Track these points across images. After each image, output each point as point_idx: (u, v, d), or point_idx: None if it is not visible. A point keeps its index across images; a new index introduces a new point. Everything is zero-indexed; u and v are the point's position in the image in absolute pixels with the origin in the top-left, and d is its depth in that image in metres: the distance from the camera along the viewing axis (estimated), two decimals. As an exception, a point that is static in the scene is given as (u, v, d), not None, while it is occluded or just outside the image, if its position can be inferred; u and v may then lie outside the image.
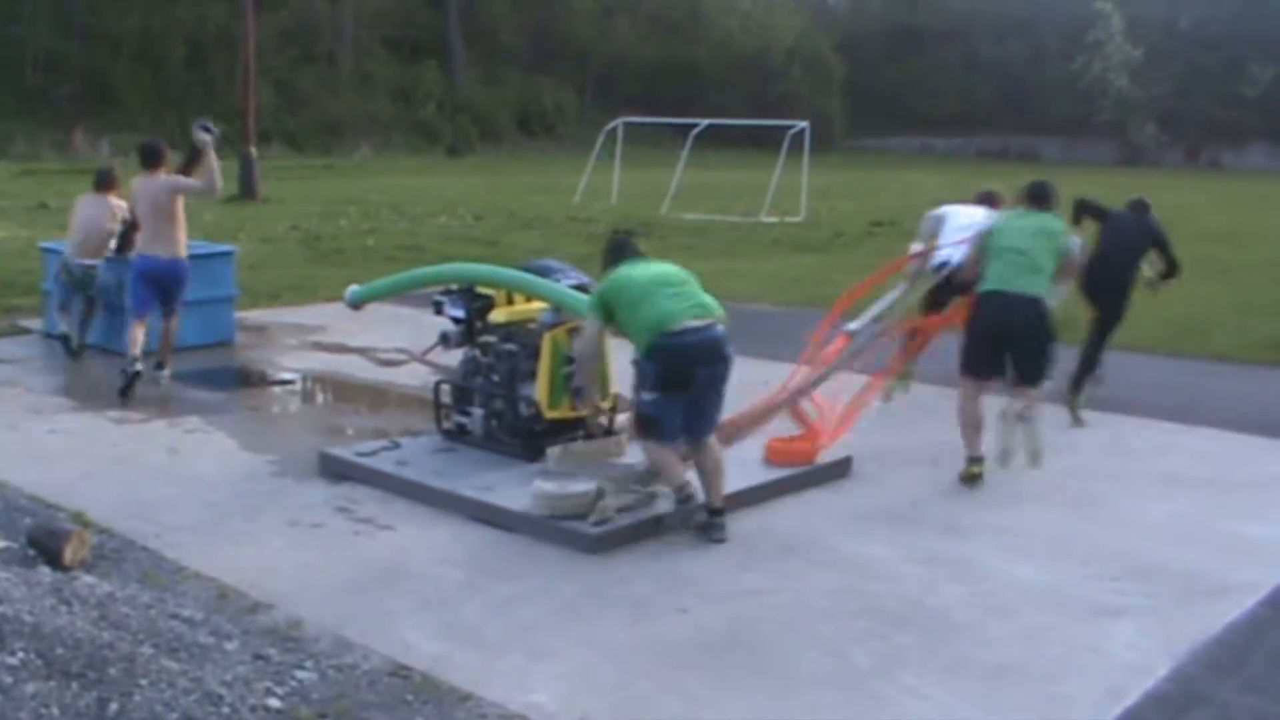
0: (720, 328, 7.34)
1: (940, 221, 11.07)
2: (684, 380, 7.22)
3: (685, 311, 7.26)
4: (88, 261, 12.13)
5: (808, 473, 8.40)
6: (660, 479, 7.54)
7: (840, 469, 8.63)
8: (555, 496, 7.33)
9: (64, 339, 12.32)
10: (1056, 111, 68.18)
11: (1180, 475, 8.89)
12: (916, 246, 11.19)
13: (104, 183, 12.50)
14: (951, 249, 10.43)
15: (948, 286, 10.42)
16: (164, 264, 11.02)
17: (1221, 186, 45.35)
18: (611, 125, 35.67)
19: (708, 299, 7.44)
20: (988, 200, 11.32)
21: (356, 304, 9.92)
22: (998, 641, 5.97)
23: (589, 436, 8.60)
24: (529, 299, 8.84)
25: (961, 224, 10.63)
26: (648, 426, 7.38)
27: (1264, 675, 5.68)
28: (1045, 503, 8.18)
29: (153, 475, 8.40)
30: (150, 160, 11.23)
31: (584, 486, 7.38)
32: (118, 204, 12.29)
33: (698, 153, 35.82)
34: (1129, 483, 8.67)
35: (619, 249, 7.86)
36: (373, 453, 8.55)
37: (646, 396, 7.31)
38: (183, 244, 11.12)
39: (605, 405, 8.60)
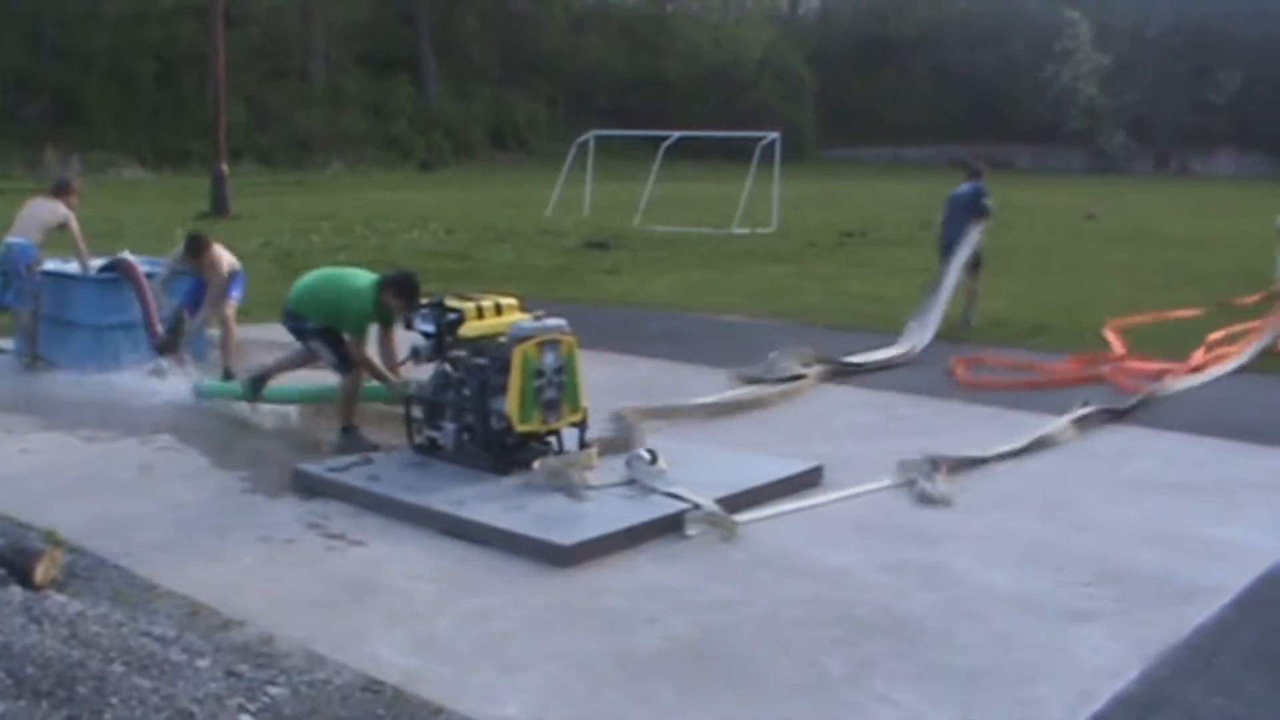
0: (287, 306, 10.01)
1: None
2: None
3: None
4: (12, 239, 12.55)
5: (778, 483, 8.41)
6: None
7: (811, 478, 8.65)
8: None
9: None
10: (1027, 120, 68.44)
11: (1148, 479, 8.93)
12: None
13: (59, 189, 13.10)
14: None
15: None
16: None
17: (1190, 193, 45.66)
18: (583, 138, 35.71)
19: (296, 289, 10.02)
20: None
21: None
22: (969, 647, 5.99)
23: (561, 450, 8.65)
24: (500, 313, 8.88)
25: None
26: None
27: (1232, 676, 5.71)
28: (1015, 508, 8.21)
29: (124, 493, 8.39)
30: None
31: None
32: (64, 211, 12.70)
33: (669, 165, 35.85)
34: (1097, 488, 8.71)
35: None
36: (345, 468, 8.56)
37: None
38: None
39: (575, 418, 8.66)
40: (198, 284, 11.99)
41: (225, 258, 12.01)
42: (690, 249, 24.98)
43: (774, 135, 32.49)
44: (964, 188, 15.88)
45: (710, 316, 16.41)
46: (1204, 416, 10.74)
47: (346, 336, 9.47)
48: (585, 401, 8.76)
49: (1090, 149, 68.21)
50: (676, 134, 36.90)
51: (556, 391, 8.49)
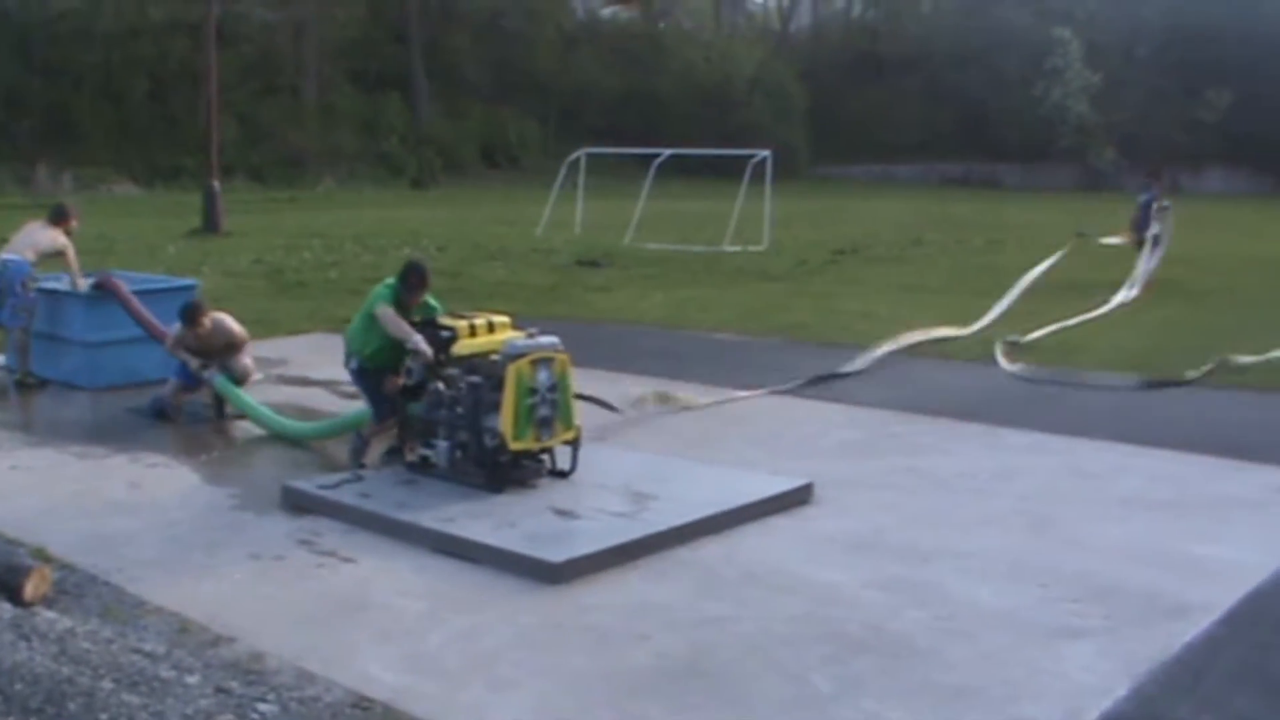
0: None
1: None
2: None
3: None
4: (8, 256, 12.51)
5: (768, 500, 8.43)
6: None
7: (802, 495, 8.67)
8: None
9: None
10: (1017, 138, 68.53)
11: (1138, 497, 8.94)
12: None
13: (57, 216, 13.04)
14: None
15: None
16: None
17: (1180, 210, 45.54)
18: (574, 156, 35.72)
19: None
20: None
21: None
22: (958, 665, 6.01)
23: (558, 472, 8.70)
24: (492, 331, 8.90)
25: None
26: None
27: (1220, 694, 5.72)
28: (1005, 526, 8.23)
29: (115, 510, 8.39)
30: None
31: None
32: (62, 240, 12.70)
33: (661, 183, 35.87)
34: (1087, 505, 8.72)
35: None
36: (335, 485, 8.56)
37: None
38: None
39: (568, 436, 8.68)
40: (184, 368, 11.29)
41: (229, 320, 11.49)
42: (681, 266, 24.99)
43: (765, 153, 32.50)
44: (1144, 196, 23.55)
45: (701, 334, 16.41)
46: (1195, 434, 10.77)
47: (377, 310, 9.19)
48: (578, 419, 8.78)
49: (1081, 166, 68.29)
50: (668, 151, 36.89)
51: (550, 409, 8.50)
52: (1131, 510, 8.62)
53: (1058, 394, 12.55)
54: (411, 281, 9.32)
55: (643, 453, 9.74)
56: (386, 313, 9.15)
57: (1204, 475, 9.58)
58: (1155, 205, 22.71)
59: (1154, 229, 22.24)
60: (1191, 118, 64.73)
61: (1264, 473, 9.60)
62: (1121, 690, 5.71)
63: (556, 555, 7.20)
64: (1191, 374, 13.04)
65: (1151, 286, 20.74)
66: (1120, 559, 7.58)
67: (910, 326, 15.70)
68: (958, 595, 6.95)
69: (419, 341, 8.91)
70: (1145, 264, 21.31)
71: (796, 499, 8.61)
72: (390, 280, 9.43)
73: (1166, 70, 65.97)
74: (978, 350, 14.88)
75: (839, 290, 21.24)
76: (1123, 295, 19.81)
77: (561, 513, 8.02)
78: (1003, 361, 14.10)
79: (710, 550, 7.64)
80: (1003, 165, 69.54)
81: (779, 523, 8.24)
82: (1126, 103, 67.01)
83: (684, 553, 7.58)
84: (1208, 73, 63.70)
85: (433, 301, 9.62)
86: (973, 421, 11.20)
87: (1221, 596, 6.92)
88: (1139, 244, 22.29)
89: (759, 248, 28.48)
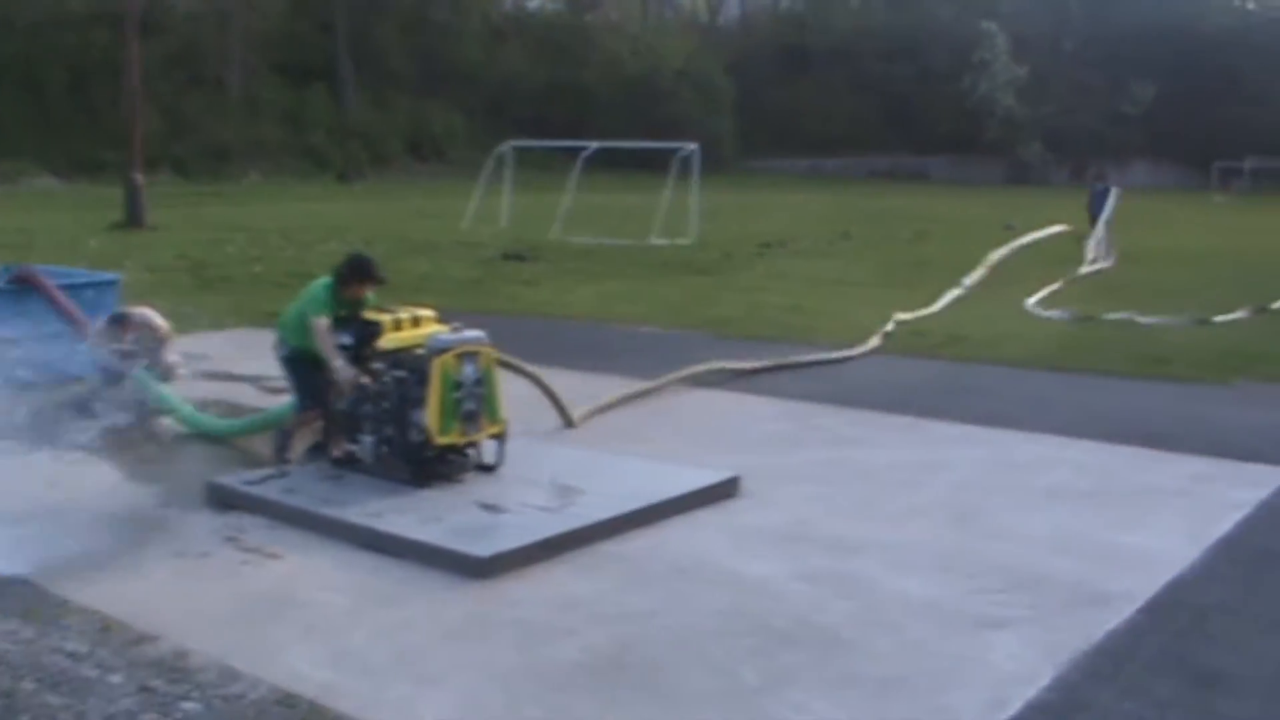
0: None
1: None
2: None
3: None
4: None
5: (695, 493, 8.44)
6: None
7: (728, 489, 8.68)
8: None
9: None
10: (944, 131, 69.16)
11: (1063, 488, 9.02)
12: None
13: None
14: None
15: None
16: None
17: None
18: (501, 149, 35.64)
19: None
20: None
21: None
22: (884, 656, 6.04)
23: (484, 466, 8.67)
24: (417, 325, 8.84)
25: None
26: None
27: (1141, 681, 5.79)
28: (931, 518, 8.28)
29: (35, 509, 8.28)
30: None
31: None
32: None
33: (588, 176, 35.85)
34: (1012, 496, 8.79)
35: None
36: (260, 481, 8.49)
37: None
38: None
39: (494, 430, 8.65)
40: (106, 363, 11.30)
41: (153, 314, 11.46)
42: (608, 260, 25.00)
43: (693, 146, 32.59)
44: (1099, 187, 29.34)
45: (628, 328, 16.43)
46: (1119, 425, 10.88)
47: (312, 320, 8.90)
48: (504, 413, 8.75)
49: (1008, 159, 69.05)
50: (595, 144, 36.84)
51: (476, 403, 8.47)
52: (1057, 501, 8.70)
53: (983, 385, 12.65)
54: (356, 272, 9.17)
55: (569, 446, 9.74)
56: (320, 327, 8.90)
57: (1128, 465, 9.69)
58: (1111, 191, 28.12)
59: (1108, 212, 27.05)
60: (1116, 111, 65.66)
61: (1186, 462, 9.72)
62: (1045, 679, 5.76)
63: (482, 550, 7.17)
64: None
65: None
66: (1045, 549, 7.64)
67: (838, 320, 15.79)
68: (884, 586, 6.99)
69: (341, 368, 8.74)
70: (1104, 240, 26.24)
71: (723, 492, 8.62)
72: (327, 280, 9.16)
73: (1091, 64, 66.85)
74: (904, 343, 14.97)
75: (766, 284, 21.33)
76: (1102, 264, 24.82)
77: (487, 507, 8.00)
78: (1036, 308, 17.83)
79: (637, 544, 7.64)
80: (930, 158, 70.25)
81: (706, 516, 8.24)
82: (1052, 96, 67.87)
83: (611, 547, 7.57)
84: (1131, 67, 64.64)
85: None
86: (900, 413, 11.27)
87: (1143, 585, 6.99)
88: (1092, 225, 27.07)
89: (686, 241, 28.55)
